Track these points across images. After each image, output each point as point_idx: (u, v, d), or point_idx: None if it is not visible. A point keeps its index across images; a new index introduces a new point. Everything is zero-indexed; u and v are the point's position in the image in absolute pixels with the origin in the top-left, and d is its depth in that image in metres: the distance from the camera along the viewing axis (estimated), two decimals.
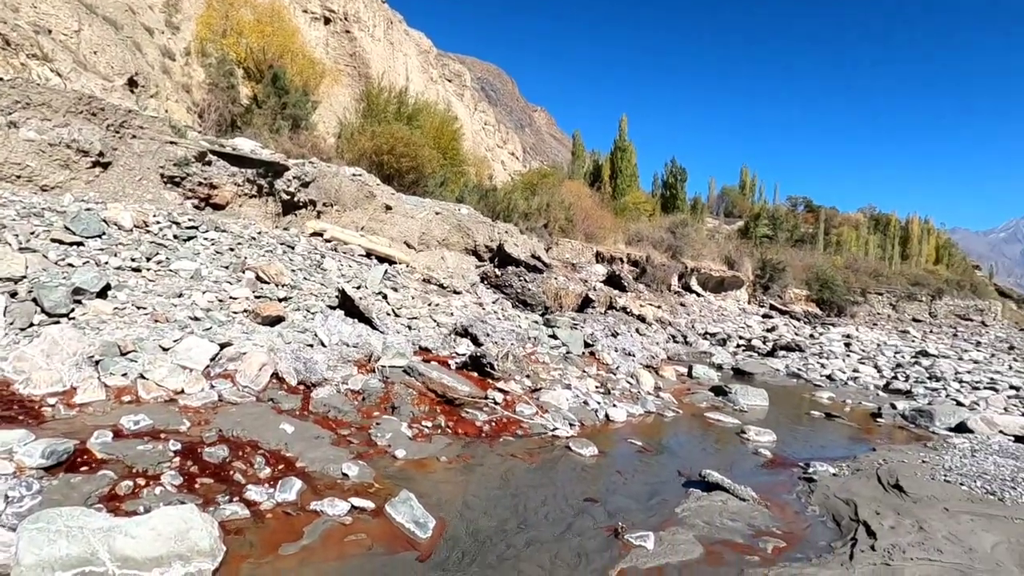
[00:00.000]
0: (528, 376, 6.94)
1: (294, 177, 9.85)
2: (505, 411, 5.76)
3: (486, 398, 5.92)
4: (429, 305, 8.96)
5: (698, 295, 20.17)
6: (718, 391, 8.05)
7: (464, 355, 7.03)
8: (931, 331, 23.15)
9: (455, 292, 10.85)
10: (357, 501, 3.33)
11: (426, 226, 12.30)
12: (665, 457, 5.27)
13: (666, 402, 7.21)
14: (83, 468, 3.11)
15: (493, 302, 11.33)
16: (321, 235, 9.79)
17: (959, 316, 29.47)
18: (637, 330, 11.96)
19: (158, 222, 7.30)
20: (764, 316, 20.38)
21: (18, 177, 6.81)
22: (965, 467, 5.07)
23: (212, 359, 5.01)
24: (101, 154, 7.51)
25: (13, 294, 4.84)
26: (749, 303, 22.33)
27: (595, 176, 27.74)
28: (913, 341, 18.25)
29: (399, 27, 28.15)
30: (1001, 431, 6.52)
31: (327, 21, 23.32)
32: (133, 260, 6.24)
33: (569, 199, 19.12)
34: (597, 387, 7.22)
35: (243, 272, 7.02)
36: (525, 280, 12.48)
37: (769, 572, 3.12)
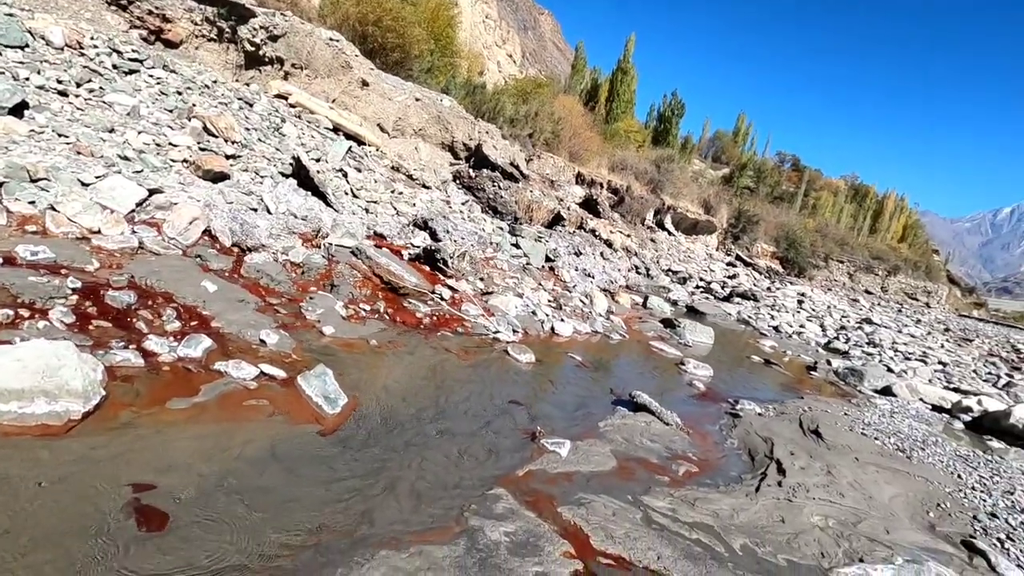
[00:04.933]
0: (482, 279, 6.77)
1: (261, 27, 8.85)
2: (450, 308, 5.60)
3: (433, 292, 5.73)
4: (392, 192, 8.51)
5: (670, 233, 20.11)
6: (668, 323, 8.10)
7: (419, 248, 6.76)
8: (879, 303, 24.01)
9: (424, 186, 10.35)
10: (268, 368, 3.14)
11: (404, 111, 11.50)
12: (601, 375, 5.28)
13: (615, 325, 7.21)
14: None
15: (463, 203, 10.91)
16: (285, 98, 9.00)
17: (907, 294, 30.62)
18: (602, 254, 11.85)
19: (95, 46, 6.47)
20: (728, 264, 20.61)
21: None
22: (882, 425, 5.27)
23: (138, 204, 4.59)
24: None
25: None
26: (717, 249, 22.48)
27: (591, 95, 26.39)
28: (861, 309, 18.89)
29: None
30: (921, 399, 6.81)
31: None
32: (60, 82, 5.56)
33: (560, 114, 18.22)
34: (550, 301, 7.12)
35: (189, 120, 6.38)
36: (499, 186, 12.01)
37: (675, 492, 3.16)
